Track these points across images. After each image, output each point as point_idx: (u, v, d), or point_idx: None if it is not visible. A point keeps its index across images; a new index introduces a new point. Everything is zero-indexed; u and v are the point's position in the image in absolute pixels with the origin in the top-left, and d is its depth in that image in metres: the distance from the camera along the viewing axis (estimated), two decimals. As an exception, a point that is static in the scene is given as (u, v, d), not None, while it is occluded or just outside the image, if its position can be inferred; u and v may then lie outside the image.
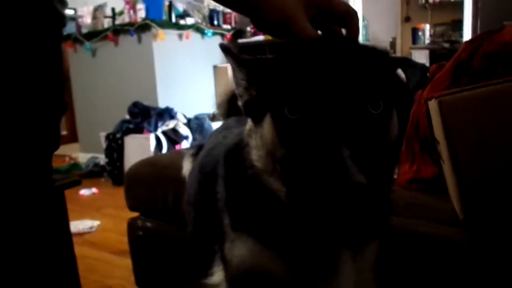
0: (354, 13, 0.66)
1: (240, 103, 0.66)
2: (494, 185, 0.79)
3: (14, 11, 0.55)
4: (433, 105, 0.84)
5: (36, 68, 0.60)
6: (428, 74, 1.26)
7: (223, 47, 0.64)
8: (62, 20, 0.65)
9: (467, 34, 4.07)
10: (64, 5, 0.66)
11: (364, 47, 0.60)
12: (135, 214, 1.56)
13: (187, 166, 1.12)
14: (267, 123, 0.59)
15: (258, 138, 0.63)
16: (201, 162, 0.88)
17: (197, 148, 1.09)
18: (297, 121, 0.54)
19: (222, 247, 0.71)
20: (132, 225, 1.55)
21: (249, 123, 0.68)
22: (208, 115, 3.85)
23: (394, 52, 4.98)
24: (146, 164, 1.51)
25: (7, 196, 0.58)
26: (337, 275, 0.65)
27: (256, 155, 0.64)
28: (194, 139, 3.54)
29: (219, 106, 0.83)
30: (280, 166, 0.59)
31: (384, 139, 0.57)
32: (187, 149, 1.22)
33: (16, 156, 0.58)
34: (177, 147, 3.42)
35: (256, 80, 0.62)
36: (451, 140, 0.78)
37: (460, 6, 4.44)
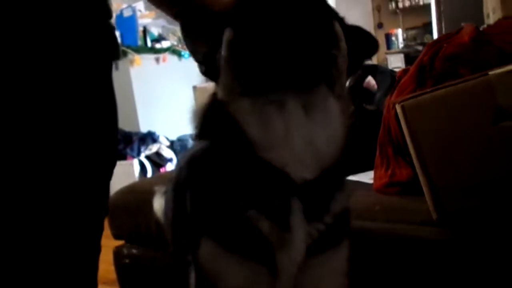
0: None
1: (201, 70, 0.72)
2: (462, 182, 0.80)
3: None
4: (398, 109, 0.86)
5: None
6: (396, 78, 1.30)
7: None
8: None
9: (436, 36, 4.17)
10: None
11: None
12: (121, 243, 1.55)
13: (158, 203, 1.13)
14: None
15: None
16: (173, 182, 0.89)
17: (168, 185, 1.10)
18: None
19: (193, 256, 0.71)
20: (118, 254, 1.53)
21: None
22: (191, 135, 3.85)
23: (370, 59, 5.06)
24: (126, 192, 1.51)
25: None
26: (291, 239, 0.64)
27: (220, 91, 0.67)
28: (178, 161, 3.53)
29: (194, 113, 0.83)
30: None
31: None
32: (157, 187, 1.24)
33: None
34: (162, 170, 3.41)
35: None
36: (416, 142, 0.80)
37: (429, 9, 4.55)
